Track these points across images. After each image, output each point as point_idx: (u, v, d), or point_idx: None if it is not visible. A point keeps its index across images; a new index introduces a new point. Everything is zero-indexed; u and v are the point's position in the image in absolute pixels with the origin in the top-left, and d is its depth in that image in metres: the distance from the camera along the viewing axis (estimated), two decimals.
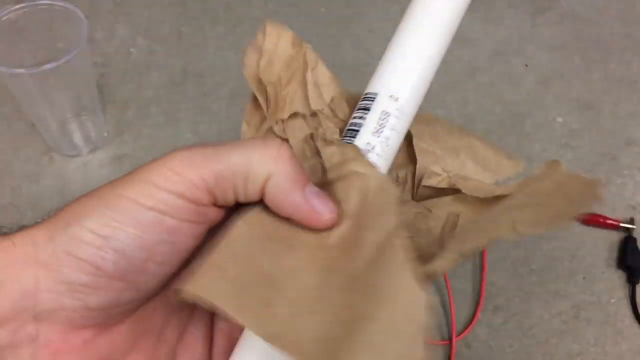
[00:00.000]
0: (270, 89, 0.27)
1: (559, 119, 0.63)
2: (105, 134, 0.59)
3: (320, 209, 0.22)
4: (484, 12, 0.72)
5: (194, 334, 0.25)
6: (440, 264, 0.21)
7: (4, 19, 0.50)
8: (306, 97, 0.27)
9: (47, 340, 0.21)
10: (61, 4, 0.51)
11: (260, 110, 0.29)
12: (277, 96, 0.27)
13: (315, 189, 0.22)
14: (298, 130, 0.27)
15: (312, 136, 0.27)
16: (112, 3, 0.71)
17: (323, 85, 0.27)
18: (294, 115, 0.27)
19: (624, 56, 0.69)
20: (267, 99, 0.28)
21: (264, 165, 0.21)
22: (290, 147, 0.24)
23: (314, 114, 0.27)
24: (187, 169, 0.21)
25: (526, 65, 0.68)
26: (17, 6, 0.50)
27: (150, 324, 0.24)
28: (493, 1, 0.74)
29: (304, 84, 0.27)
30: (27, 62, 0.52)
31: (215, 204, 0.22)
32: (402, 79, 0.26)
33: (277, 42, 0.28)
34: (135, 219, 0.21)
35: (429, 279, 0.21)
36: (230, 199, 0.22)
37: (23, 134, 0.59)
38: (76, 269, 0.21)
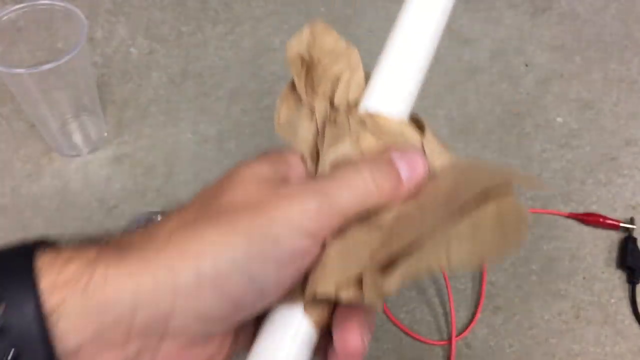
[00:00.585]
0: (309, 64, 0.30)
1: (559, 119, 0.63)
2: (105, 134, 0.59)
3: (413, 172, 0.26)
4: (484, 12, 0.72)
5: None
6: (385, 288, 0.23)
7: (4, 19, 0.50)
8: (334, 89, 0.29)
9: (166, 354, 0.23)
10: (61, 4, 0.51)
11: (295, 94, 0.30)
12: (313, 73, 0.29)
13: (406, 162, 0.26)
14: (323, 110, 0.29)
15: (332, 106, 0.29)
16: (112, 3, 0.71)
17: (352, 90, 0.29)
18: (323, 96, 0.29)
19: (624, 56, 0.69)
20: (302, 73, 0.30)
21: (373, 202, 0.25)
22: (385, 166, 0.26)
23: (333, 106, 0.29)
24: (320, 214, 0.23)
25: (526, 65, 0.68)
26: (17, 6, 0.50)
27: (235, 328, 0.26)
28: (493, 1, 0.74)
29: (338, 79, 0.29)
30: (27, 62, 0.52)
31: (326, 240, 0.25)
32: (386, 96, 0.28)
33: (322, 33, 0.30)
34: (276, 258, 0.23)
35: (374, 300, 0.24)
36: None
37: (23, 134, 0.59)
38: (217, 304, 0.22)
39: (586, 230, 0.55)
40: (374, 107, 0.28)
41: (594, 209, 0.56)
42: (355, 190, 0.24)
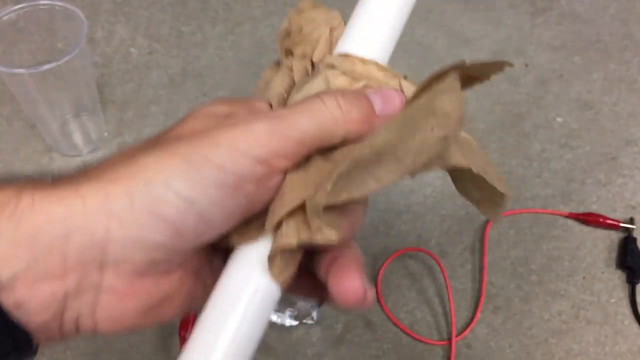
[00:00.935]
0: (293, 33, 0.29)
1: (559, 119, 0.63)
2: (106, 134, 0.59)
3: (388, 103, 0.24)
4: (484, 12, 0.72)
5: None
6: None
7: (4, 19, 0.50)
8: (315, 48, 0.28)
9: (110, 288, 0.21)
10: (61, 4, 0.51)
11: (279, 66, 0.30)
12: (294, 39, 0.28)
13: (375, 95, 0.24)
14: (302, 69, 0.28)
15: (312, 65, 0.28)
16: (112, 3, 0.71)
17: (333, 47, 0.28)
18: (303, 57, 0.28)
19: (623, 56, 0.69)
20: (284, 43, 0.29)
21: (338, 130, 0.23)
22: (352, 94, 0.24)
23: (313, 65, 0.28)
24: (271, 139, 0.22)
25: (526, 65, 0.68)
26: (17, 6, 0.50)
27: (193, 266, 0.24)
28: (493, 1, 0.74)
29: (318, 40, 0.28)
30: (27, 62, 0.52)
31: (286, 170, 0.23)
32: (362, 39, 0.27)
33: (308, 8, 0.29)
34: (219, 183, 0.21)
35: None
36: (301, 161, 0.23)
37: (23, 134, 0.59)
38: (155, 229, 0.21)
39: (586, 230, 0.55)
40: (349, 50, 0.26)
41: (594, 209, 0.56)
42: (315, 114, 0.22)
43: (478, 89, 0.25)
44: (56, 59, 0.47)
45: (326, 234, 0.22)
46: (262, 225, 0.23)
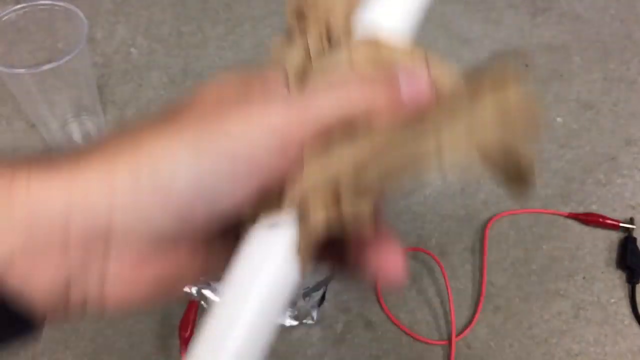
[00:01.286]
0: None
1: (559, 119, 0.63)
2: None
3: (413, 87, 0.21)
4: (484, 12, 0.72)
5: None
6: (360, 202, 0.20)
7: (4, 19, 0.50)
8: (331, 11, 0.26)
9: (115, 274, 0.20)
10: (61, 4, 0.51)
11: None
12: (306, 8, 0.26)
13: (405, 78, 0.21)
14: (318, 37, 0.25)
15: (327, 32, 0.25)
16: (112, 3, 0.71)
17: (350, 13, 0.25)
18: (317, 21, 0.26)
19: (623, 56, 0.69)
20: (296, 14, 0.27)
21: (361, 114, 0.20)
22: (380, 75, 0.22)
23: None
24: (291, 124, 0.20)
25: (526, 65, 0.68)
26: (17, 6, 0.51)
27: (204, 238, 0.23)
28: (493, 1, 0.74)
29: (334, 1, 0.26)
30: (27, 62, 0.52)
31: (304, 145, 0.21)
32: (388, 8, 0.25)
33: None
34: (232, 173, 0.19)
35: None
36: None
37: (23, 134, 0.59)
38: (161, 216, 0.19)
39: (586, 230, 0.55)
40: (371, 20, 0.24)
41: (593, 209, 0.56)
42: (338, 92, 0.21)
43: None
44: (56, 59, 0.47)
45: (363, 225, 0.20)
46: (279, 199, 0.21)
